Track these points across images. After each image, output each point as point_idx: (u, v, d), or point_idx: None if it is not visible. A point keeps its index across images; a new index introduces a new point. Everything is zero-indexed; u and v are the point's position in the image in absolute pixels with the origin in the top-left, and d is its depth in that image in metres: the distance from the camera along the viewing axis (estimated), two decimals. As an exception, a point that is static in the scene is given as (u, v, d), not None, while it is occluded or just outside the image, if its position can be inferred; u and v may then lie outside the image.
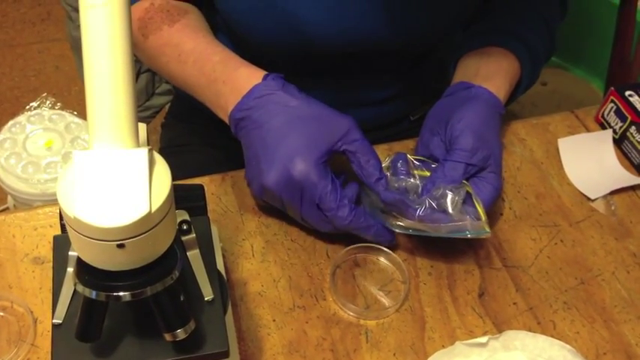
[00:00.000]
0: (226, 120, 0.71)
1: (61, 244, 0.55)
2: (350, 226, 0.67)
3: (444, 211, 0.67)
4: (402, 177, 0.71)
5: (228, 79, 0.71)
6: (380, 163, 0.69)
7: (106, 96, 0.45)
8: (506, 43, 0.80)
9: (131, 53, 0.46)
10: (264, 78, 0.69)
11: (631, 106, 0.83)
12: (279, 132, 0.67)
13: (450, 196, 0.67)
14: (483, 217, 0.67)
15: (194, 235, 0.56)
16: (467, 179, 0.70)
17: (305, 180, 0.65)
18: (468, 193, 0.69)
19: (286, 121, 0.67)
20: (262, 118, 0.68)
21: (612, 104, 0.85)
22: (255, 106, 0.68)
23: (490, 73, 0.77)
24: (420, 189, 0.69)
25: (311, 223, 0.69)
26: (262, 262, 0.71)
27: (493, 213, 0.76)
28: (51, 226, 0.72)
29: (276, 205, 0.70)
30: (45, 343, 0.63)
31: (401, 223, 0.68)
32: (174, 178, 0.46)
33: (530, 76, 0.81)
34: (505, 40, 0.80)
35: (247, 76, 0.70)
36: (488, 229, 0.67)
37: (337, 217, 0.66)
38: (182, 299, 0.49)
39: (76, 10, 1.01)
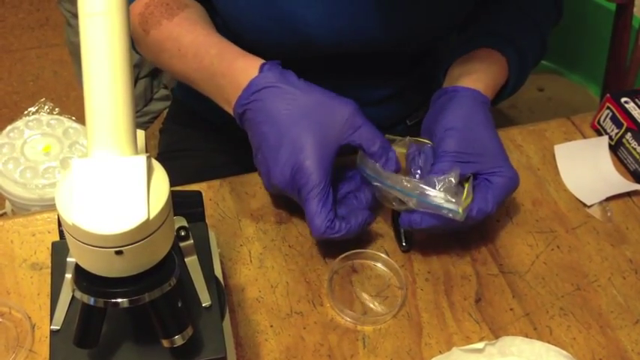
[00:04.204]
0: (231, 113, 0.72)
1: (60, 250, 0.55)
2: (323, 237, 0.67)
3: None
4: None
5: (227, 72, 0.71)
6: (385, 142, 0.70)
7: (105, 104, 0.45)
8: (493, 44, 0.80)
9: (130, 61, 0.47)
10: (261, 69, 0.69)
11: (627, 113, 0.83)
12: (282, 128, 0.67)
13: (437, 182, 0.67)
14: (463, 197, 0.66)
15: (192, 241, 0.56)
16: (475, 178, 0.71)
17: (300, 178, 0.66)
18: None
19: (287, 115, 0.67)
20: (262, 113, 0.68)
21: (608, 111, 0.86)
22: (255, 99, 0.68)
23: (471, 71, 0.77)
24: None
25: None
26: (260, 267, 0.71)
27: (489, 219, 0.76)
28: (49, 232, 0.72)
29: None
30: (43, 349, 0.63)
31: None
32: (172, 182, 0.47)
33: (517, 74, 0.81)
34: (491, 41, 0.80)
35: (244, 69, 0.70)
36: (460, 211, 0.65)
37: (312, 225, 0.67)
38: (180, 305, 0.49)
39: (75, 16, 1.01)
